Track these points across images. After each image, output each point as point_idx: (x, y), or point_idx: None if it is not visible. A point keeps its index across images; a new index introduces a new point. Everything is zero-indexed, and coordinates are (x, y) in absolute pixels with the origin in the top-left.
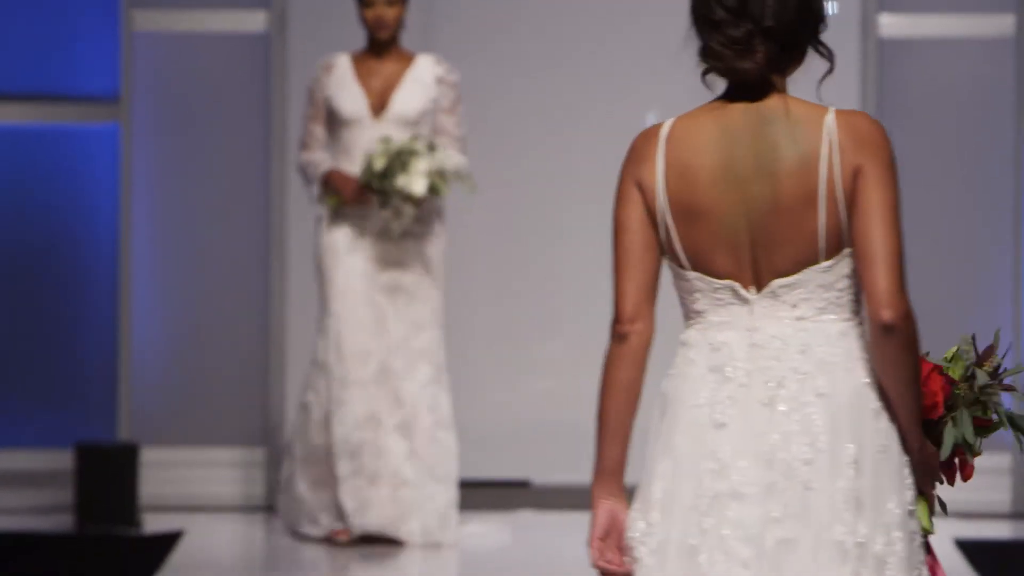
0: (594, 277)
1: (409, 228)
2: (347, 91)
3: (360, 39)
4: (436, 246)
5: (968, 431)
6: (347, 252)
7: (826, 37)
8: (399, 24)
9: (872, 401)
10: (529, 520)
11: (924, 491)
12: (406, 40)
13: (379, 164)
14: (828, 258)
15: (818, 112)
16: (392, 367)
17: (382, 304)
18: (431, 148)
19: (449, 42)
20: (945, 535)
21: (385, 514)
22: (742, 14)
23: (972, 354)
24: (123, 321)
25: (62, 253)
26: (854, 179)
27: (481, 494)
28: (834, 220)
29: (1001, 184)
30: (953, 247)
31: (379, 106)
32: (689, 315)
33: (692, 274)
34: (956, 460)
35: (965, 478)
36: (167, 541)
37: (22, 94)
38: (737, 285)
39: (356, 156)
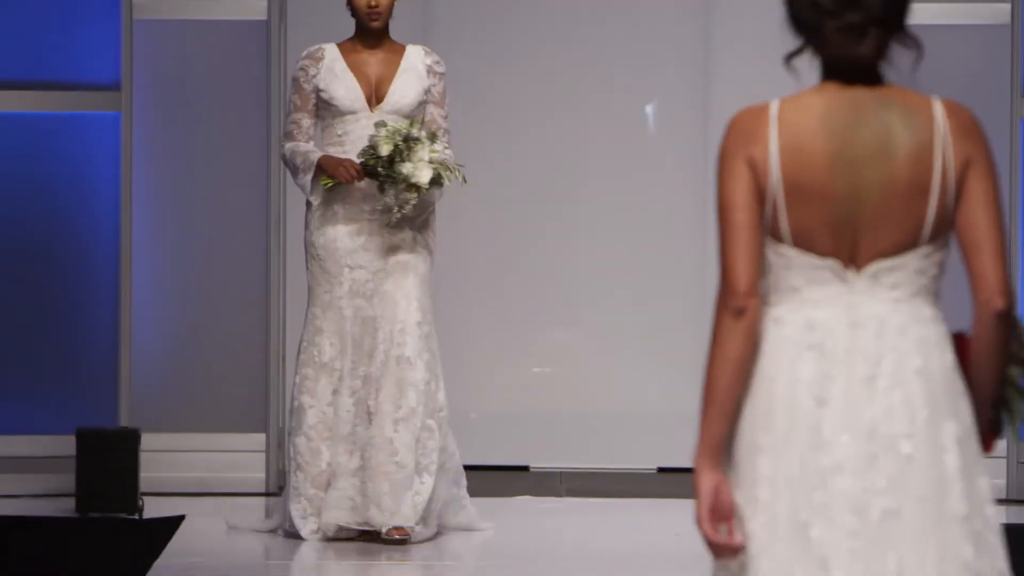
0: (595, 265)
1: (406, 216)
2: (341, 81)
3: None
4: (428, 240)
5: (1018, 411)
6: (346, 250)
7: None
8: (390, 12)
9: (959, 383)
10: (528, 505)
11: None
12: (404, 31)
13: (385, 149)
14: (929, 244)
15: (926, 101)
16: (402, 353)
17: (390, 290)
18: (432, 137)
19: (448, 33)
20: None
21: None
22: (855, 2)
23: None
24: (124, 308)
25: (63, 241)
26: (965, 169)
27: (481, 479)
28: (943, 208)
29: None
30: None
31: (376, 97)
32: (779, 290)
33: (792, 251)
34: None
35: (987, 451)
36: (168, 526)
37: (23, 82)
38: (837, 264)
39: (349, 147)
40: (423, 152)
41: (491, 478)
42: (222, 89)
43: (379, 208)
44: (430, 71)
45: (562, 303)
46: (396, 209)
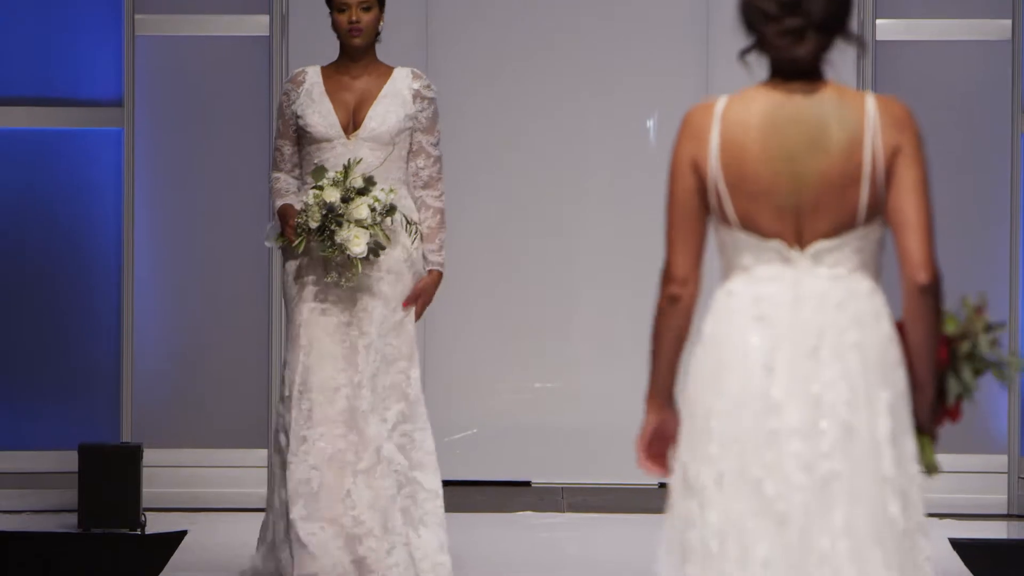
0: (597, 280)
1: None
2: (317, 107)
3: None
4: (409, 273)
5: (969, 382)
6: (311, 282)
7: None
8: (375, 31)
9: (895, 352)
10: (530, 521)
11: (932, 432)
12: (404, 43)
13: (314, 222)
14: (865, 225)
15: (859, 96)
16: (359, 406)
17: (352, 337)
18: (370, 181)
19: (448, 42)
20: (940, 535)
21: (342, 563)
22: (796, 7)
23: (966, 314)
24: (126, 323)
25: (66, 256)
26: (893, 157)
27: (482, 494)
28: (874, 192)
29: (997, 186)
30: (950, 250)
31: (352, 124)
32: (732, 268)
33: (740, 233)
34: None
35: (955, 420)
36: (170, 541)
37: (26, 98)
38: (783, 245)
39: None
40: (360, 210)
41: (493, 493)
42: (224, 105)
43: (326, 280)
44: (417, 96)
45: (563, 318)
46: (343, 281)
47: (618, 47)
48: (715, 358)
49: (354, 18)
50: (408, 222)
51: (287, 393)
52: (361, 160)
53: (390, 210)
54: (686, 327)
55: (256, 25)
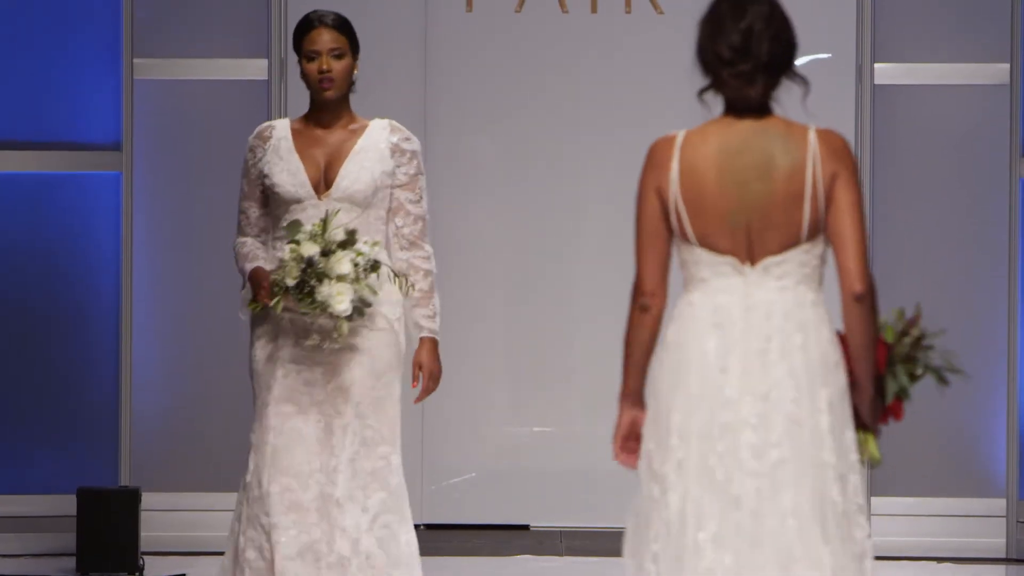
0: (595, 324)
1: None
2: (285, 165)
3: (365, 87)
4: (392, 344)
5: (904, 383)
6: (282, 359)
7: (822, 83)
8: (348, 81)
9: (835, 354)
10: (528, 565)
11: (874, 427)
12: (400, 92)
13: (291, 279)
14: (808, 242)
15: (802, 129)
16: (333, 493)
17: (328, 416)
18: (352, 235)
19: (447, 89)
20: None
21: None
22: (747, 53)
23: (900, 324)
24: (125, 367)
25: (64, 300)
26: (832, 182)
27: (481, 538)
28: (815, 213)
29: (996, 230)
30: (948, 290)
31: (324, 183)
32: (692, 281)
33: (699, 250)
34: (894, 404)
35: (898, 418)
36: None
37: (24, 142)
38: (735, 260)
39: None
40: (342, 264)
41: (491, 537)
42: (222, 149)
43: (307, 345)
44: (396, 150)
45: (561, 362)
46: (326, 344)
47: (617, 88)
48: (677, 360)
49: (325, 67)
50: (396, 275)
51: (249, 479)
52: (339, 211)
53: (374, 266)
54: (654, 335)
55: (255, 69)
